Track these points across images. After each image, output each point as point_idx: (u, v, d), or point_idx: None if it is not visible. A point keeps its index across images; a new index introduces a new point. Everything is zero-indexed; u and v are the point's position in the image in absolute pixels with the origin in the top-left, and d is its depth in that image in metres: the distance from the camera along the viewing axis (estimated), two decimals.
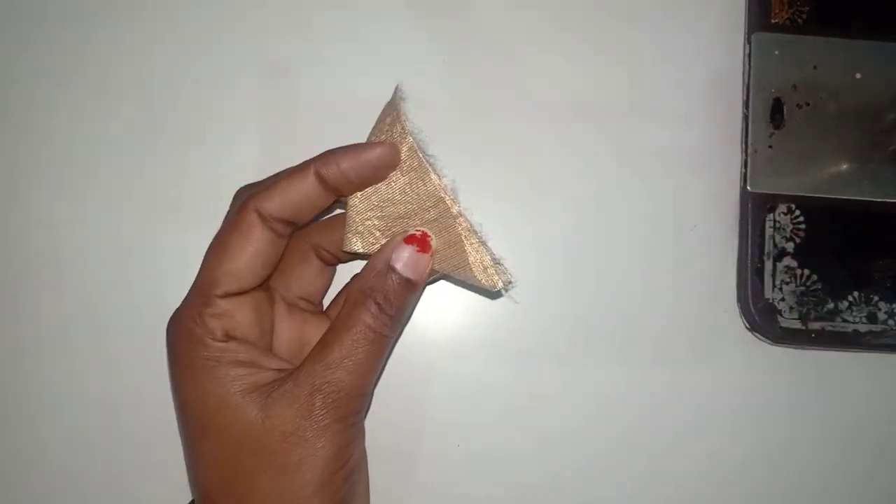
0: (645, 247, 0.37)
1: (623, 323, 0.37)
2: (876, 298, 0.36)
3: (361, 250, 0.31)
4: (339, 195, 0.30)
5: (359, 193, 0.30)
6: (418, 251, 0.30)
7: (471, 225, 0.30)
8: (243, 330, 0.30)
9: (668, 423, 0.36)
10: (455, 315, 0.37)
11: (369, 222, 0.30)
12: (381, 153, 0.29)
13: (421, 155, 0.29)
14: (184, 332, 0.29)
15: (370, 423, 0.36)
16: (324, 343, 0.29)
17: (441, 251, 0.30)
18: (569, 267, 0.37)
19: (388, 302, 0.29)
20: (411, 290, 0.30)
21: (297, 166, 0.30)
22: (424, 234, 0.30)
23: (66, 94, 0.37)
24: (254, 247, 0.29)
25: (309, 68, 0.38)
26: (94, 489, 0.36)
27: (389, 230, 0.31)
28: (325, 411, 0.28)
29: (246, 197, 0.30)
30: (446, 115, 0.38)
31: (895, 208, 0.37)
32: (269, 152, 0.37)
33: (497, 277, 0.30)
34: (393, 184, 0.30)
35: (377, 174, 0.30)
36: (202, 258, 0.30)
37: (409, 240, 0.30)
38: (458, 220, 0.30)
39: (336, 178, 0.29)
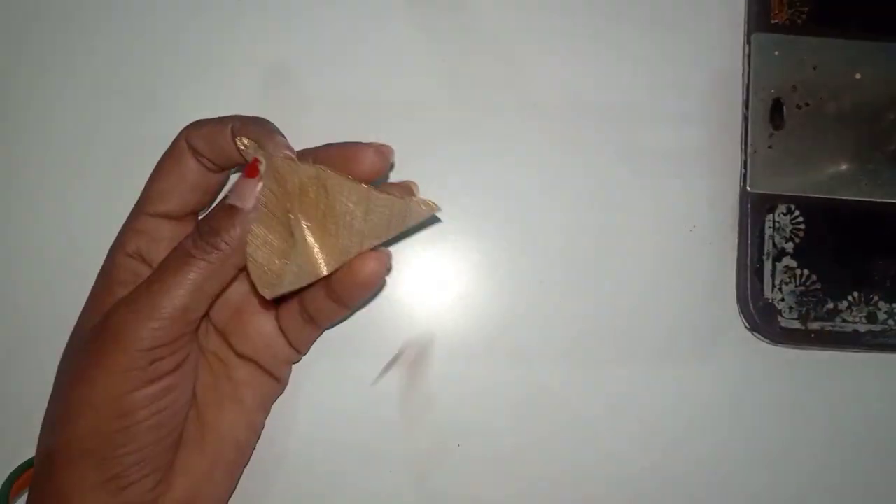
0: (644, 247, 0.37)
1: (622, 323, 0.37)
2: (876, 298, 0.36)
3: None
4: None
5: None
6: (245, 177, 0.29)
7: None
8: (158, 254, 0.30)
9: (668, 424, 0.36)
10: (455, 314, 0.37)
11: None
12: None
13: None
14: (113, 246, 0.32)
15: (370, 423, 0.36)
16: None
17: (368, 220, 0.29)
18: (568, 267, 0.37)
19: (208, 226, 0.29)
20: (233, 216, 0.29)
21: (231, 117, 0.31)
22: (255, 160, 0.29)
23: (66, 93, 0.37)
24: (181, 171, 0.31)
25: (309, 68, 0.38)
26: None
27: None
28: (106, 340, 0.28)
29: (184, 127, 0.31)
30: (446, 115, 0.38)
31: (895, 208, 0.37)
32: None
33: (428, 203, 0.29)
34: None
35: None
36: None
37: (245, 172, 0.29)
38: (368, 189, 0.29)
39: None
